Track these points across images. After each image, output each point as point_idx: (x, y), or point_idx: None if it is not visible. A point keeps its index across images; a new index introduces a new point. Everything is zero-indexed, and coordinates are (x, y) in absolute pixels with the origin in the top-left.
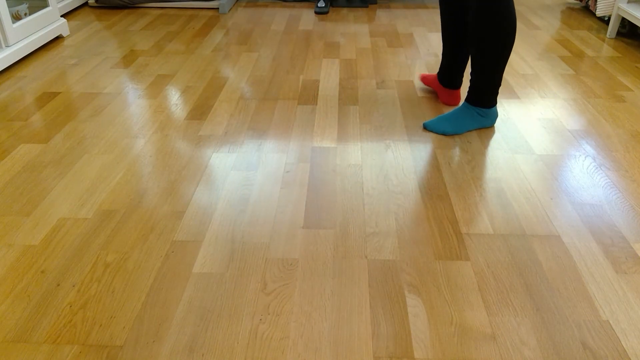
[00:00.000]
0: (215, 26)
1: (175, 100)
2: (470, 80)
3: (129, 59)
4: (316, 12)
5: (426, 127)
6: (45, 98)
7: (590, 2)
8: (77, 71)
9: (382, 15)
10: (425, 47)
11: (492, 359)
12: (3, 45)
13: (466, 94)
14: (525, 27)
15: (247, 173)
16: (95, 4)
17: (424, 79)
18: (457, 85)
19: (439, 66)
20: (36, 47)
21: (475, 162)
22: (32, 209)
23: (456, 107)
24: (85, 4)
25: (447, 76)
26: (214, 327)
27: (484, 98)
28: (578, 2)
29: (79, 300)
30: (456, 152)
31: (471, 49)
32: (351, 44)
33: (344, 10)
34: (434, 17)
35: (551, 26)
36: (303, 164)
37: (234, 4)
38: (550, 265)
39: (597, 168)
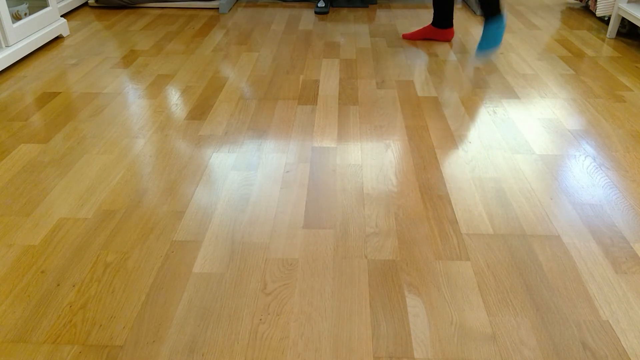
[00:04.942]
0: (215, 26)
1: (175, 100)
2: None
3: (129, 59)
4: (316, 12)
5: (479, 54)
6: (45, 98)
7: (590, 2)
8: (77, 71)
9: (382, 15)
10: (425, 47)
11: (492, 359)
12: (3, 45)
13: (481, 15)
14: (525, 27)
15: (247, 173)
16: (95, 4)
17: (414, 35)
18: (452, 22)
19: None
20: (36, 47)
21: (475, 162)
22: (32, 209)
23: (483, 30)
24: (85, 4)
25: (445, 18)
26: (214, 327)
27: (495, 8)
28: (578, 2)
29: (79, 300)
30: (456, 152)
31: None
32: (351, 44)
33: (344, 10)
34: None
35: (551, 26)
36: (303, 164)
37: (234, 4)
38: (550, 265)
39: (597, 168)
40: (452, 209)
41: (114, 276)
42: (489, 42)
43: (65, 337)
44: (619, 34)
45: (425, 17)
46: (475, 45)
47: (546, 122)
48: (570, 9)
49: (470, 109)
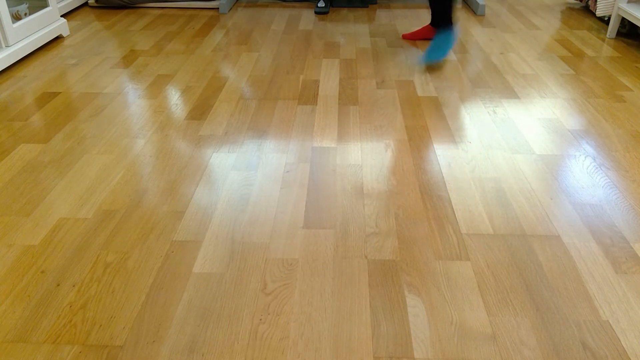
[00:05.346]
0: (215, 26)
1: (175, 100)
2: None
3: (129, 59)
4: (316, 12)
5: (422, 62)
6: (45, 98)
7: (590, 2)
8: (77, 71)
9: (382, 15)
10: (425, 47)
11: (492, 359)
12: (3, 45)
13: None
14: (525, 27)
15: (247, 173)
16: (95, 4)
17: (414, 35)
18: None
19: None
20: (36, 47)
21: (475, 162)
22: (32, 209)
23: (432, 39)
24: (85, 4)
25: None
26: (214, 327)
27: (446, 19)
28: (578, 2)
29: (79, 300)
30: (456, 152)
31: None
32: (351, 44)
33: (344, 10)
34: None
35: (551, 26)
36: (303, 164)
37: (234, 4)
38: (550, 265)
39: (597, 168)
40: (452, 209)
41: (114, 276)
42: (434, 52)
43: (65, 337)
44: (619, 34)
45: (425, 17)
46: (474, 45)
47: (546, 122)
48: (570, 9)
49: (470, 109)
